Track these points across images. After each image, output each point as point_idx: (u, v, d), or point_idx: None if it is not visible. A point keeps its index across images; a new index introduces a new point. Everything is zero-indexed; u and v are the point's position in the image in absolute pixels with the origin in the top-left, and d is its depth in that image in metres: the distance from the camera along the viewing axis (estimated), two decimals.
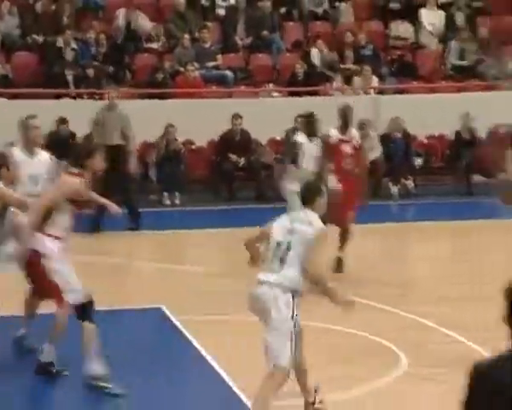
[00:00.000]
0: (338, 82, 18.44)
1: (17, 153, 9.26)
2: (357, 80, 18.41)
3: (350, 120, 11.92)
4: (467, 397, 3.71)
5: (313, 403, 7.25)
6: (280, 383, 6.82)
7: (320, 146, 11.60)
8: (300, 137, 11.76)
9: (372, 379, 8.00)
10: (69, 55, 17.69)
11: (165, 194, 16.47)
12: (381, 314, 9.94)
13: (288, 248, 6.87)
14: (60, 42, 17.80)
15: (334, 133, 11.78)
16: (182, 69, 17.91)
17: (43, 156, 9.40)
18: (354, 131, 12.03)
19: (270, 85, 18.67)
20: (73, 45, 17.89)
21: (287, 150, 12.37)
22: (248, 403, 7.48)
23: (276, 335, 6.80)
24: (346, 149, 11.80)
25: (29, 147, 9.29)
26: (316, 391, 7.23)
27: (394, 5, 19.92)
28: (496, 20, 20.04)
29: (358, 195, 11.84)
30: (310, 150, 11.58)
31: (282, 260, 6.86)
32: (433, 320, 9.57)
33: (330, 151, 11.77)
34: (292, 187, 11.23)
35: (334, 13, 19.90)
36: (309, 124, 11.80)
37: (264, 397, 6.80)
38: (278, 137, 17.21)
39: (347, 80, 18.47)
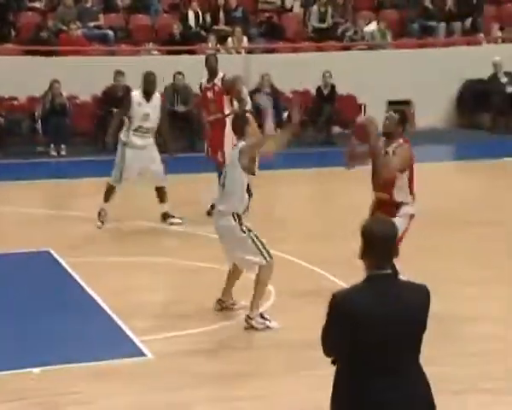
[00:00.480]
0: (212, 42, 18.37)
1: None
2: (229, 40, 18.39)
3: (214, 67, 12.00)
4: (327, 323, 3.83)
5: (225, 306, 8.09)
6: (269, 274, 7.67)
7: (158, 105, 11.17)
8: (135, 93, 11.25)
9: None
10: None
11: (52, 145, 16.19)
12: None
13: (225, 175, 7.72)
14: None
15: (204, 82, 11.97)
16: (65, 28, 17.52)
17: None
18: (218, 78, 12.04)
19: (150, 44, 18.46)
20: None
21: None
22: (136, 340, 7.50)
23: (240, 249, 7.64)
24: (210, 94, 11.88)
25: None
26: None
27: None
28: None
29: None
30: (141, 106, 11.00)
31: (224, 185, 7.71)
32: (299, 257, 9.75)
33: (202, 98, 12.08)
34: (122, 137, 11.11)
35: None
36: (144, 81, 11.24)
37: (262, 291, 7.69)
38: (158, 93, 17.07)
39: (221, 40, 18.42)
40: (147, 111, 10.98)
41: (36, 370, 6.84)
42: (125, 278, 9.16)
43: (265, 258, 7.62)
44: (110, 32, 18.00)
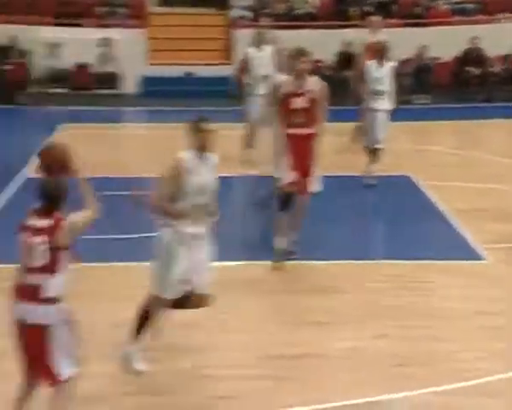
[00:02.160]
0: None
1: None
2: None
3: None
4: None
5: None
6: None
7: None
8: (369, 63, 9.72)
9: None
10: None
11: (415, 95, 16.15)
12: None
13: None
14: None
15: None
16: (434, 4, 17.33)
17: None
18: None
19: (503, 14, 17.53)
20: None
21: None
22: (478, 247, 7.41)
23: None
24: None
25: None
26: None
27: None
28: None
29: None
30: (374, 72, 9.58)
31: None
32: None
33: None
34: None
35: None
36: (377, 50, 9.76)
37: None
38: (503, 53, 16.42)
39: None
40: (379, 75, 9.59)
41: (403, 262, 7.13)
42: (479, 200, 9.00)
43: None
44: (469, 6, 17.44)
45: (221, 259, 5.43)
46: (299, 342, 5.62)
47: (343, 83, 13.71)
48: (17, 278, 4.13)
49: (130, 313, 5.04)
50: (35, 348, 4.04)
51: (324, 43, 15.48)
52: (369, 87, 9.54)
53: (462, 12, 17.47)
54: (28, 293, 4.05)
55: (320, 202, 7.51)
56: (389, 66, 9.66)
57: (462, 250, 7.51)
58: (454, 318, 6.08)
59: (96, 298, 6.16)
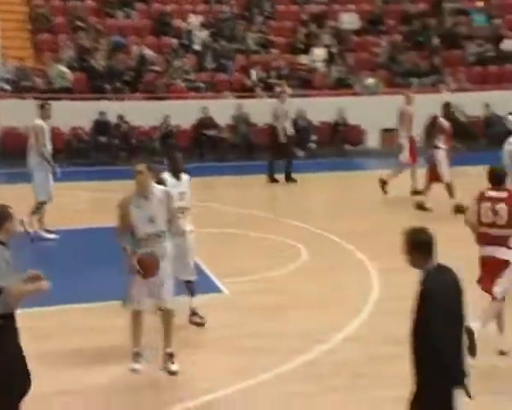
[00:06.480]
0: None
1: None
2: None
3: None
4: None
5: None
6: None
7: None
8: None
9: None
10: None
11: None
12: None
13: None
14: None
15: None
16: (173, 82, 17.50)
17: None
18: None
19: (227, 92, 18.23)
20: None
21: None
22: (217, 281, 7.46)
23: None
24: None
25: None
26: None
27: None
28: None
29: None
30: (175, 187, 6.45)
31: None
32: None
33: None
34: None
35: None
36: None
37: None
38: (229, 122, 17.00)
39: None
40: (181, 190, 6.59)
41: None
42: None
43: None
44: (201, 84, 17.96)
45: None
46: None
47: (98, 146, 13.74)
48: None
49: None
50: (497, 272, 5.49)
51: (81, 113, 15.13)
52: None
53: (196, 89, 17.99)
54: (496, 240, 5.49)
55: None
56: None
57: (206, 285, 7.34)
58: None
59: None
